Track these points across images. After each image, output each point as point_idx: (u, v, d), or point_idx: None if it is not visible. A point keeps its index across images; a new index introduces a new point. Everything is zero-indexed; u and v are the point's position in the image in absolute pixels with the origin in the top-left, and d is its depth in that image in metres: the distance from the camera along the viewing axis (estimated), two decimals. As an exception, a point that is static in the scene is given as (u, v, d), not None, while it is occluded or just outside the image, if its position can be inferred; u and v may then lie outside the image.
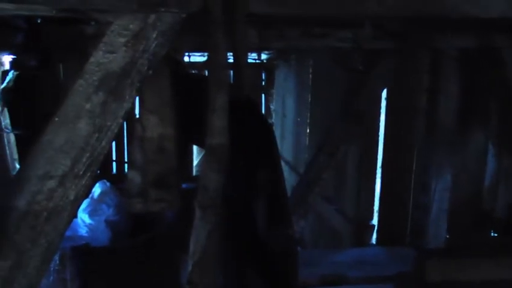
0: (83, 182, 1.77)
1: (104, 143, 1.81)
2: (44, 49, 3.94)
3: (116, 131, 1.84)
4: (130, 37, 1.87)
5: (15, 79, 4.46)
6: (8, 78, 4.52)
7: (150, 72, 1.94)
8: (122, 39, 1.87)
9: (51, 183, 1.72)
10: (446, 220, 4.62)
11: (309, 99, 6.48)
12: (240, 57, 2.39)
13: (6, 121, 4.66)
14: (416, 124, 4.88)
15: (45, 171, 1.71)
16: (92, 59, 1.85)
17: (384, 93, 4.97)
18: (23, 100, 4.58)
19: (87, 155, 1.77)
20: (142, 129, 2.50)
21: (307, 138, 6.65)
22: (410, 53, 4.62)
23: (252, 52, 5.80)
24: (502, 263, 3.18)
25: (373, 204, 5.27)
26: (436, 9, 2.56)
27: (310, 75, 6.29)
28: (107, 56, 1.85)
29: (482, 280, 2.94)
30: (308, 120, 6.53)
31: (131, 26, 1.88)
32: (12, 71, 4.54)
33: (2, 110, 4.64)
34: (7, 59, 4.76)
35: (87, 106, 1.78)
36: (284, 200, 4.18)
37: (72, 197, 1.75)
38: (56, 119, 1.76)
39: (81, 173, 1.76)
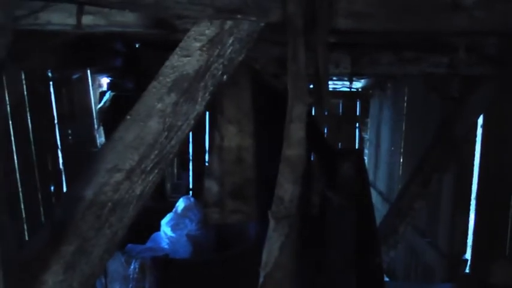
0: (150, 178, 1.81)
1: (173, 142, 1.84)
2: (141, 72, 4.09)
3: (186, 131, 1.87)
4: (205, 42, 1.91)
5: (112, 99, 4.65)
6: (105, 99, 4.71)
7: (225, 77, 1.96)
8: (197, 44, 1.91)
9: (118, 176, 1.77)
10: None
11: (403, 128, 6.35)
12: (321, 71, 2.37)
13: (102, 139, 4.85)
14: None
15: (114, 164, 1.77)
16: (167, 63, 1.91)
17: (480, 121, 4.77)
18: (118, 120, 4.76)
19: (156, 152, 1.81)
20: (220, 139, 2.52)
21: (401, 168, 6.50)
22: (509, 78, 4.43)
23: (344, 79, 5.78)
24: None
25: (466, 238, 5.03)
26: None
27: (405, 104, 6.17)
28: (182, 60, 1.89)
29: None
30: (402, 150, 6.38)
31: (207, 31, 1.92)
32: (109, 92, 4.74)
33: (98, 128, 4.83)
34: (105, 80, 4.99)
35: (159, 106, 1.82)
36: (373, 229, 4.10)
37: (138, 191, 1.79)
38: (128, 117, 1.82)
39: (148, 168, 1.80)
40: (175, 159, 6.44)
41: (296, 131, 2.15)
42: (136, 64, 4.31)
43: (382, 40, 3.76)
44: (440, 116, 5.14)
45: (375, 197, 6.29)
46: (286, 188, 2.17)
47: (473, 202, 4.96)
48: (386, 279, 4.95)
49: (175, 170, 6.71)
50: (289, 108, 2.15)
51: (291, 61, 2.16)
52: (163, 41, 3.24)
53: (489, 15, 2.35)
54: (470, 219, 4.99)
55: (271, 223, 2.19)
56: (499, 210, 4.73)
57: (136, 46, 4.38)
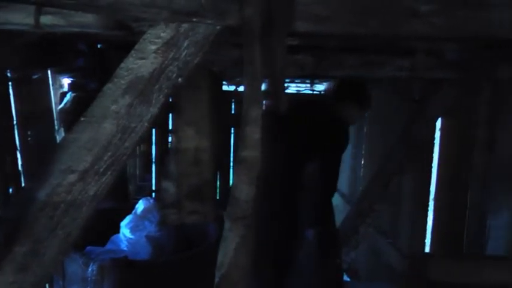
0: (103, 179, 1.82)
1: (127, 144, 1.86)
2: (104, 72, 4.07)
3: (140, 133, 1.88)
4: (160, 44, 1.93)
5: (73, 100, 4.61)
6: (66, 99, 4.67)
7: (180, 80, 1.98)
8: (153, 47, 1.92)
9: (72, 178, 1.79)
10: (503, 259, 4.44)
11: (365, 130, 6.42)
12: (278, 74, 2.40)
13: (62, 140, 4.79)
14: (473, 157, 4.75)
15: (67, 165, 1.78)
16: (122, 65, 1.92)
17: (438, 124, 4.87)
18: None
19: (109, 153, 1.82)
20: (178, 141, 2.53)
21: (362, 170, 6.57)
22: (469, 83, 4.52)
23: (307, 81, 5.83)
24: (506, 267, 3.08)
25: (425, 238, 5.12)
26: (484, 29, 2.51)
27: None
28: (137, 62, 1.90)
29: (487, 282, 2.84)
30: (363, 151, 6.45)
31: (162, 34, 1.94)
32: (70, 93, 4.70)
33: (59, 129, 4.79)
34: (66, 81, 4.94)
35: (113, 107, 1.84)
36: (333, 230, 4.16)
37: (91, 193, 1.81)
38: (83, 118, 1.83)
39: (101, 170, 1.81)
40: (138, 160, 6.43)
41: (252, 133, 2.17)
42: (99, 64, 4.29)
43: (346, 43, 3.81)
44: (401, 118, 5.21)
45: (337, 199, 6.35)
46: (242, 189, 2.20)
47: (431, 203, 5.05)
48: (347, 279, 5.00)
49: (139, 172, 6.69)
50: (245, 111, 2.17)
51: (247, 64, 2.19)
52: (126, 41, 3.24)
53: (445, 22, 2.41)
54: (429, 219, 5.08)
55: (227, 224, 2.22)
56: (456, 210, 4.83)
57: (99, 46, 4.35)
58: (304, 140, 3.74)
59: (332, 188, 3.97)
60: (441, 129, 4.89)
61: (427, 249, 5.13)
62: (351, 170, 7.27)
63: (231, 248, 2.19)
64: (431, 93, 4.69)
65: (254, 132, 2.18)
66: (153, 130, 6.43)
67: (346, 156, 7.44)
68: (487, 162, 4.59)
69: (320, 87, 7.01)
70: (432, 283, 2.99)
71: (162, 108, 1.96)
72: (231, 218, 2.22)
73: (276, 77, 2.38)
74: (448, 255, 4.13)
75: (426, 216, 5.12)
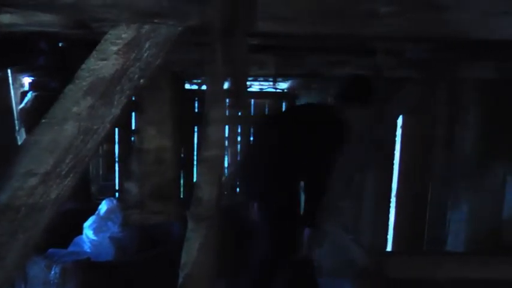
0: (65, 182, 1.81)
1: (89, 146, 1.85)
2: (67, 71, 4.03)
3: (102, 134, 1.88)
4: (122, 45, 1.92)
5: (34, 100, 4.56)
6: (26, 99, 4.62)
7: (142, 81, 1.98)
8: (114, 47, 1.91)
9: (33, 181, 1.76)
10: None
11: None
12: (239, 73, 2.41)
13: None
14: (433, 154, 4.84)
15: (28, 168, 1.76)
16: (83, 66, 1.90)
17: (400, 122, 4.95)
18: (40, 120, 4.66)
19: (71, 156, 1.81)
20: (140, 141, 2.53)
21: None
22: (429, 82, 4.61)
23: (270, 80, 5.86)
24: (465, 262, 3.17)
25: (387, 234, 5.20)
26: (440, 30, 2.56)
27: (330, 104, 6.26)
28: (98, 63, 1.89)
29: (443, 278, 2.91)
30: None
31: (124, 35, 1.93)
32: (31, 92, 4.64)
33: (19, 129, 4.73)
34: (27, 80, 4.89)
35: (74, 109, 1.82)
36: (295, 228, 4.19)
37: (53, 196, 1.79)
38: (44, 120, 1.81)
39: (63, 172, 1.80)
40: (101, 160, 6.38)
41: (214, 133, 2.18)
42: (61, 63, 4.24)
43: (309, 43, 3.84)
44: (363, 117, 5.27)
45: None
46: (205, 189, 2.20)
47: (393, 199, 5.13)
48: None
49: (102, 171, 6.64)
50: (207, 110, 2.18)
51: (209, 64, 2.20)
52: (88, 40, 3.22)
53: (403, 23, 2.46)
54: (391, 215, 5.17)
55: (190, 224, 2.22)
56: (417, 207, 4.92)
57: (60, 45, 4.31)
58: (301, 141, 3.72)
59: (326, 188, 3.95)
60: (402, 128, 4.97)
61: (389, 245, 5.21)
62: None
63: (194, 248, 2.20)
64: (393, 92, 4.76)
65: (216, 132, 2.19)
66: (117, 129, 6.38)
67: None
68: (446, 159, 4.68)
69: (283, 86, 7.06)
70: (391, 280, 3.05)
71: (124, 109, 1.95)
72: (194, 218, 2.22)
73: (237, 76, 2.39)
74: (407, 252, 4.19)
75: (388, 212, 5.20)
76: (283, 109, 4.05)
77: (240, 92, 2.48)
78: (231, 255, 3.36)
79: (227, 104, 2.30)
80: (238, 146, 6.41)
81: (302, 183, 3.92)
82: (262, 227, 3.90)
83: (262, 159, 3.76)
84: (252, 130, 4.05)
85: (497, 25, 2.26)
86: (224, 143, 2.23)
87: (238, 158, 3.79)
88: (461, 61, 3.98)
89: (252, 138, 4.03)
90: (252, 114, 6.80)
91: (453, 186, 4.73)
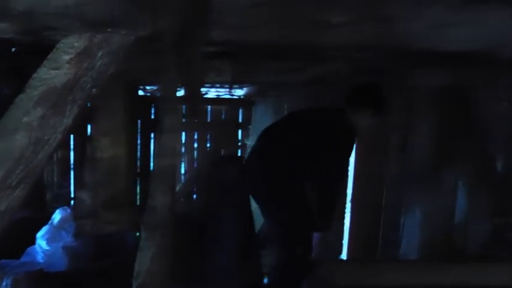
0: (16, 193, 1.78)
1: (40, 156, 1.83)
2: (21, 77, 3.95)
3: (54, 145, 1.86)
4: (74, 55, 1.90)
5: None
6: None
7: (94, 90, 1.97)
8: (66, 57, 1.90)
9: (-18, 192, 1.74)
10: (416, 256, 4.61)
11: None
12: (194, 81, 2.42)
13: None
14: (387, 160, 4.91)
15: (-23, 180, 1.73)
16: (35, 75, 1.88)
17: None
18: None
19: (22, 167, 1.79)
20: (93, 150, 2.51)
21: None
22: (385, 89, 4.68)
23: (226, 86, 5.87)
24: (416, 269, 3.23)
25: (342, 239, 5.26)
26: (389, 40, 2.62)
27: (285, 111, 6.30)
28: (50, 72, 1.87)
29: (392, 285, 2.96)
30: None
31: (76, 44, 1.91)
32: (-19, 100, 4.54)
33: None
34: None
35: (25, 119, 1.80)
36: (252, 234, 4.21)
37: (3, 207, 1.77)
38: (-6, 131, 1.79)
39: (14, 183, 1.77)
40: (56, 167, 6.27)
41: (168, 141, 2.18)
42: (13, 69, 4.17)
43: (266, 50, 3.86)
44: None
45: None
46: (158, 198, 2.20)
47: (348, 204, 5.20)
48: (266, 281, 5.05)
49: (56, 179, 6.52)
50: (161, 119, 2.18)
51: (163, 72, 2.20)
52: (42, 46, 3.18)
53: (354, 33, 2.51)
54: (346, 222, 5.22)
55: (143, 233, 2.22)
56: (372, 211, 4.98)
57: (13, 50, 4.23)
58: (309, 148, 3.74)
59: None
60: (356, 134, 5.03)
61: (345, 250, 5.27)
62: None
63: (147, 258, 2.19)
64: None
65: (171, 141, 2.19)
66: (72, 136, 6.28)
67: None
68: (400, 165, 4.76)
69: (239, 92, 7.06)
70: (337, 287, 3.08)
71: (77, 118, 1.94)
72: (148, 227, 2.22)
73: (192, 84, 2.40)
74: (355, 259, 4.24)
75: (343, 217, 5.26)
76: (291, 113, 4.04)
77: (195, 100, 2.48)
78: (185, 262, 3.35)
79: (183, 112, 2.31)
80: (195, 153, 6.41)
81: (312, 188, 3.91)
82: (276, 236, 3.98)
83: (277, 163, 3.78)
84: (261, 135, 4.08)
85: (443, 36, 2.33)
86: (178, 151, 2.23)
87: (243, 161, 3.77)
88: (414, 69, 4.06)
89: (261, 143, 4.02)
90: (208, 120, 6.78)
91: (407, 192, 4.81)
